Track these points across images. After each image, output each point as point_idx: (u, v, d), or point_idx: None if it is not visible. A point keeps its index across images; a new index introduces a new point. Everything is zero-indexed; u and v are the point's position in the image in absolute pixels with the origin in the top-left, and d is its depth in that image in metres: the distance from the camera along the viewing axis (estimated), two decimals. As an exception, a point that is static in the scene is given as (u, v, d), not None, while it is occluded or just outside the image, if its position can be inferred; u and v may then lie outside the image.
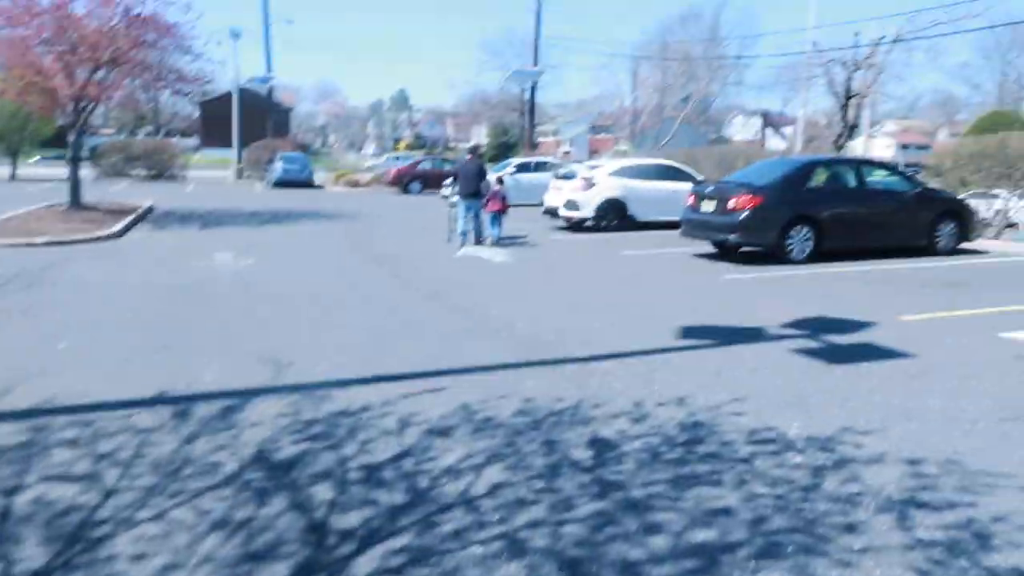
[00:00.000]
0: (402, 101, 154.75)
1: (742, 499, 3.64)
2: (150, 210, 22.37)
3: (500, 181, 15.75)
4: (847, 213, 11.87)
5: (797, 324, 7.49)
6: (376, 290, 9.51)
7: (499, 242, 14.46)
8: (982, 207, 14.19)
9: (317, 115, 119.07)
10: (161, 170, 39.77)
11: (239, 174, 41.50)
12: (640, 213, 16.69)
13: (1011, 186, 14.20)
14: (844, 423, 4.68)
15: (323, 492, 3.75)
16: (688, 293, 9.31)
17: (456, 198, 14.86)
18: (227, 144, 44.87)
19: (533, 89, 37.30)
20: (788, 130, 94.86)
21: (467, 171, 15.23)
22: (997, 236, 14.39)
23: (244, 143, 43.25)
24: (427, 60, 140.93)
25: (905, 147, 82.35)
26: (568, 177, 17.63)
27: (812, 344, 6.69)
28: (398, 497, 3.70)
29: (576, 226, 17.17)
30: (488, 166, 18.56)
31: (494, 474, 3.95)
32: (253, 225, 18.75)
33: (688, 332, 7.19)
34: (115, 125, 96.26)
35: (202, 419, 4.79)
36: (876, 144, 60.06)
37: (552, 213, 17.49)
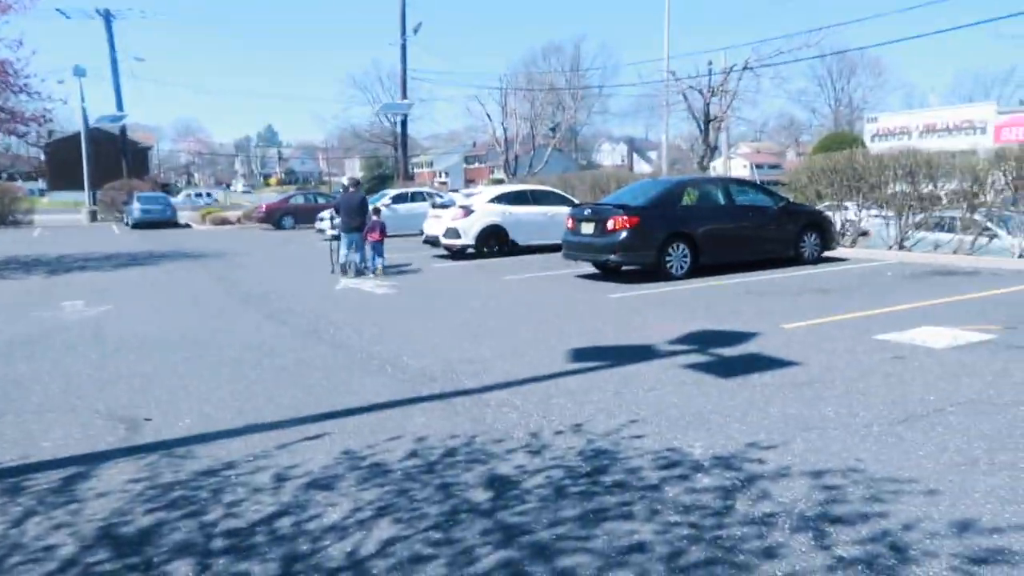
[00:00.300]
0: (270, 137, 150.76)
1: (655, 531, 3.39)
2: (-13, 259, 20.40)
3: (377, 212, 15.62)
4: (720, 229, 12.19)
5: (687, 339, 7.47)
6: (249, 331, 8.81)
7: (385, 270, 14.53)
8: (836, 219, 15.00)
9: (180, 154, 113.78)
10: (2, 215, 36.54)
11: (93, 216, 38.74)
12: (521, 238, 16.62)
13: (859, 198, 15.11)
14: (746, 438, 4.56)
15: (182, 570, 3.21)
16: (576, 314, 9.18)
17: (333, 231, 14.51)
18: (77, 186, 41.93)
19: (404, 122, 37.01)
20: (653, 154, 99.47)
21: (349, 204, 15.06)
22: (852, 244, 15.25)
23: (97, 184, 40.48)
24: (293, 96, 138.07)
25: (758, 167, 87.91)
26: (446, 206, 17.37)
27: (704, 358, 6.64)
28: (272, 567, 3.21)
29: (458, 254, 16.89)
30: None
31: (385, 529, 3.53)
32: (109, 269, 17.35)
33: (581, 354, 7.01)
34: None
35: (37, 494, 4.09)
36: (733, 165, 63.47)
37: (432, 242, 17.14)
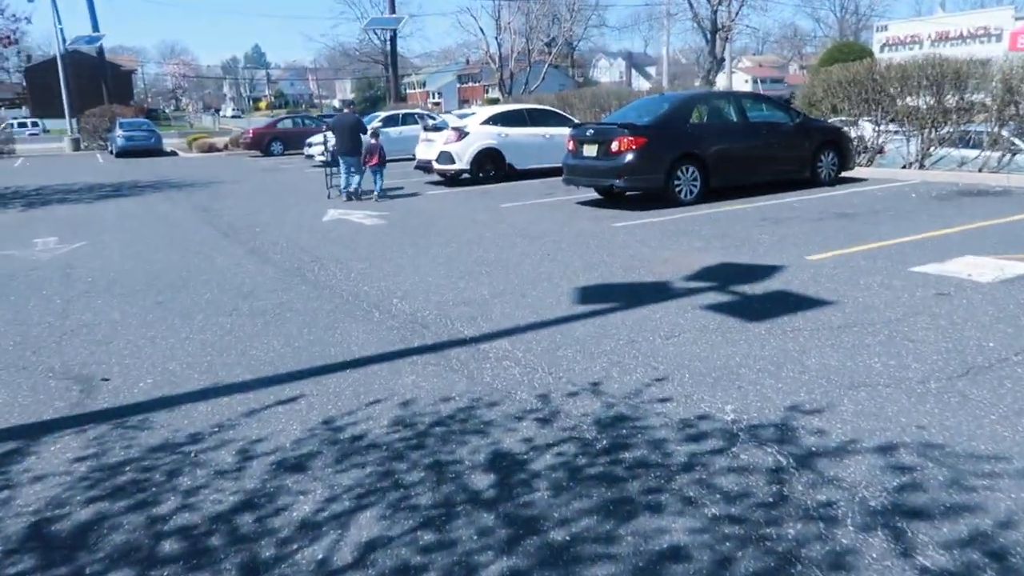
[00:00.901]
0: (258, 58, 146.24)
1: (691, 529, 2.80)
2: (-38, 192, 19.58)
3: (376, 135, 14.78)
4: (732, 149, 11.37)
5: (703, 274, 6.81)
6: (228, 271, 8.15)
7: (383, 195, 14.18)
8: (851, 134, 14.12)
9: (166, 78, 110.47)
10: (-18, 145, 35.34)
11: (76, 145, 37.49)
12: (519, 162, 15.76)
13: (880, 112, 14.19)
14: (784, 399, 3.96)
15: (118, 592, 2.64)
16: (579, 246, 8.50)
17: (323, 157, 14.02)
18: (61, 114, 40.31)
19: (394, 39, 35.33)
20: (652, 70, 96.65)
21: (342, 126, 14.48)
22: (870, 163, 14.43)
23: (78, 111, 39.02)
24: (280, 14, 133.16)
25: (761, 81, 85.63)
26: (439, 128, 16.40)
27: (724, 298, 6.00)
28: (229, 586, 2.64)
29: (452, 180, 16.06)
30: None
31: (365, 526, 2.95)
32: (89, 201, 16.54)
33: (588, 294, 6.36)
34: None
35: (-40, 482, 3.50)
36: (734, 80, 61.69)
37: (425, 168, 16.27)
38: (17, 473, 3.58)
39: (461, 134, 15.41)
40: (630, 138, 10.75)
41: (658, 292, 6.29)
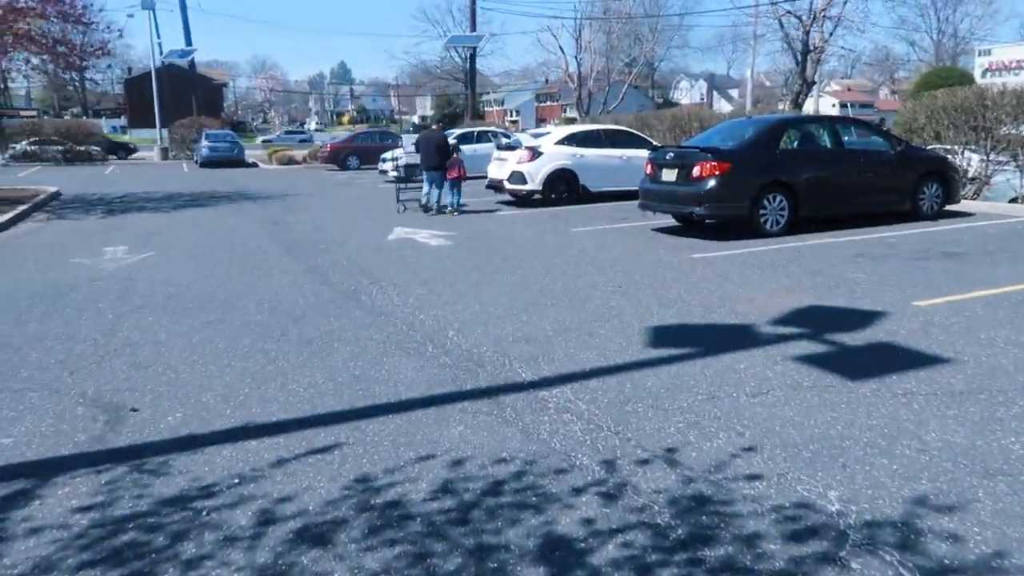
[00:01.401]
0: (343, 74, 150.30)
1: (795, 673, 2.18)
2: (55, 196, 20.27)
3: (457, 149, 14.79)
4: (825, 177, 10.54)
5: (794, 318, 6.09)
6: (284, 290, 7.85)
7: (459, 210, 14.33)
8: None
9: (256, 92, 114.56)
10: (79, 152, 36.96)
11: (164, 154, 38.83)
12: (593, 184, 15.20)
13: (990, 141, 13.06)
14: (903, 487, 3.27)
15: None
16: (654, 279, 7.87)
17: (396, 173, 14.18)
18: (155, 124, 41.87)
19: (473, 56, 35.40)
20: (734, 92, 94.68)
21: (429, 142, 14.52)
22: (976, 195, 13.30)
23: (171, 121, 40.47)
24: (367, 32, 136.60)
25: (845, 106, 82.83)
26: (512, 147, 15.99)
27: (819, 348, 5.29)
28: None
29: (523, 200, 15.61)
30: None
31: (385, 633, 2.42)
32: (166, 211, 16.80)
33: (661, 335, 5.74)
34: (39, 106, 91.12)
35: (-49, 531, 3.15)
36: (822, 103, 59.82)
37: (496, 187, 15.87)
38: (15, 522, 3.21)
39: (534, 153, 14.96)
40: (713, 163, 10.06)
41: (742, 337, 5.62)
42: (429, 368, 5.12)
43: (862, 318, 6.00)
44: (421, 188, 14.63)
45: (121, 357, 5.57)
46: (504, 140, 17.16)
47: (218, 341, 5.92)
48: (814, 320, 6.03)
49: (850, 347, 5.31)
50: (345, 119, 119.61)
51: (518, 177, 15.02)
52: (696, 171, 10.17)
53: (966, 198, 12.82)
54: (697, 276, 7.91)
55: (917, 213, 11.19)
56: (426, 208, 14.46)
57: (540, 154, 14.92)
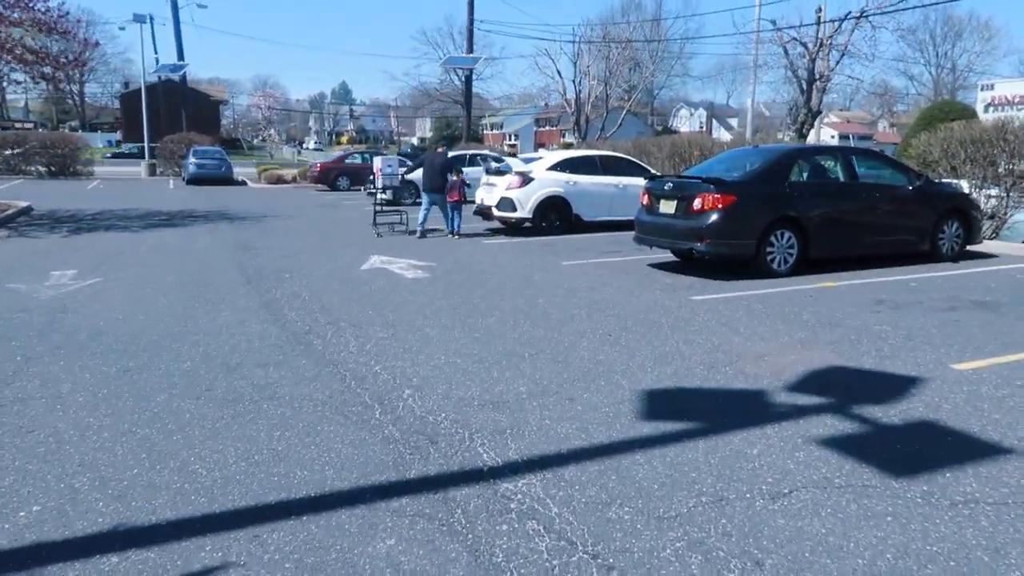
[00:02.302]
0: (344, 95, 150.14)
1: None
2: (25, 212, 19.37)
3: (458, 171, 14.32)
4: (839, 213, 9.65)
5: (812, 383, 5.15)
6: (227, 329, 6.90)
7: (458, 233, 14.16)
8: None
9: (257, 110, 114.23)
10: (63, 166, 36.05)
11: (152, 170, 37.96)
12: (587, 213, 14.32)
13: (1011, 178, 12.22)
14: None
15: None
16: (649, 326, 6.93)
17: (372, 189, 14.75)
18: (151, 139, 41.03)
19: (469, 78, 34.73)
20: (733, 121, 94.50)
21: (432, 164, 14.26)
22: (994, 235, 12.43)
23: (162, 137, 39.66)
24: (367, 52, 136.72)
25: (845, 137, 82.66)
26: (502, 172, 15.11)
27: (848, 427, 4.34)
28: None
29: (512, 229, 14.71)
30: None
31: None
32: (135, 230, 15.86)
33: (657, 403, 4.78)
34: (37, 118, 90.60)
35: None
36: (821, 134, 59.39)
37: (484, 214, 14.97)
38: None
39: (525, 179, 14.08)
40: (716, 195, 9.16)
41: (754, 409, 4.66)
42: (370, 443, 4.16)
43: (894, 385, 5.06)
44: (397, 214, 13.78)
45: (5, 416, 4.60)
46: (494, 164, 16.27)
47: (127, 397, 4.95)
48: (837, 386, 5.09)
49: (886, 426, 4.35)
50: (344, 139, 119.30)
51: (507, 204, 14.13)
52: (697, 203, 9.28)
53: (985, 238, 11.95)
54: (698, 324, 6.97)
55: (936, 254, 10.30)
56: (424, 233, 14.09)
57: (531, 180, 14.04)
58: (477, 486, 3.62)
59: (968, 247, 10.69)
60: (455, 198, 14.17)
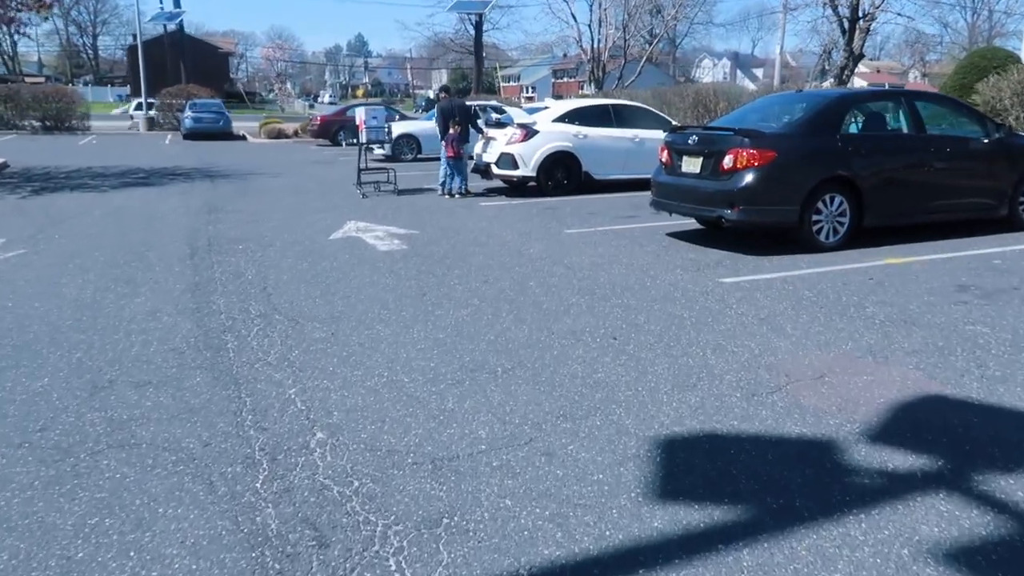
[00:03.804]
0: (359, 47, 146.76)
1: None
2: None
3: (456, 123, 12.60)
4: (901, 172, 7.93)
5: (902, 424, 3.56)
6: (132, 321, 5.45)
7: (460, 191, 12.72)
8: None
9: (273, 62, 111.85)
10: (59, 121, 34.60)
11: (150, 124, 36.43)
12: (597, 170, 12.62)
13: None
14: None
15: None
16: (666, 323, 5.36)
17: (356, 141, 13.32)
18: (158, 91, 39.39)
19: (479, 24, 32.59)
20: (758, 72, 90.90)
21: (444, 113, 12.88)
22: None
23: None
24: (381, 1, 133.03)
25: (885, 87, 79.26)
26: (503, 124, 13.39)
27: (975, 524, 2.76)
28: None
29: (515, 188, 13.07)
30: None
31: None
32: (104, 190, 14.46)
33: (675, 464, 3.23)
34: (52, 73, 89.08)
35: None
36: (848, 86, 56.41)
37: (483, 172, 13.30)
38: None
39: (528, 132, 12.37)
40: (752, 150, 7.47)
41: (823, 480, 3.09)
42: (226, 546, 2.66)
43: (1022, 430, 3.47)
44: (384, 172, 12.23)
45: None
46: (494, 116, 14.54)
47: (-78, 442, 3.49)
48: (941, 432, 3.50)
49: (1036, 521, 2.78)
50: (360, 92, 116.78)
51: (508, 161, 12.46)
52: (728, 161, 7.59)
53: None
54: (730, 320, 5.37)
55: (1016, 221, 8.56)
56: (450, 193, 12.72)
57: (535, 133, 12.33)
58: (366, 655, 2.12)
59: (1052, 213, 8.91)
60: (451, 153, 12.56)
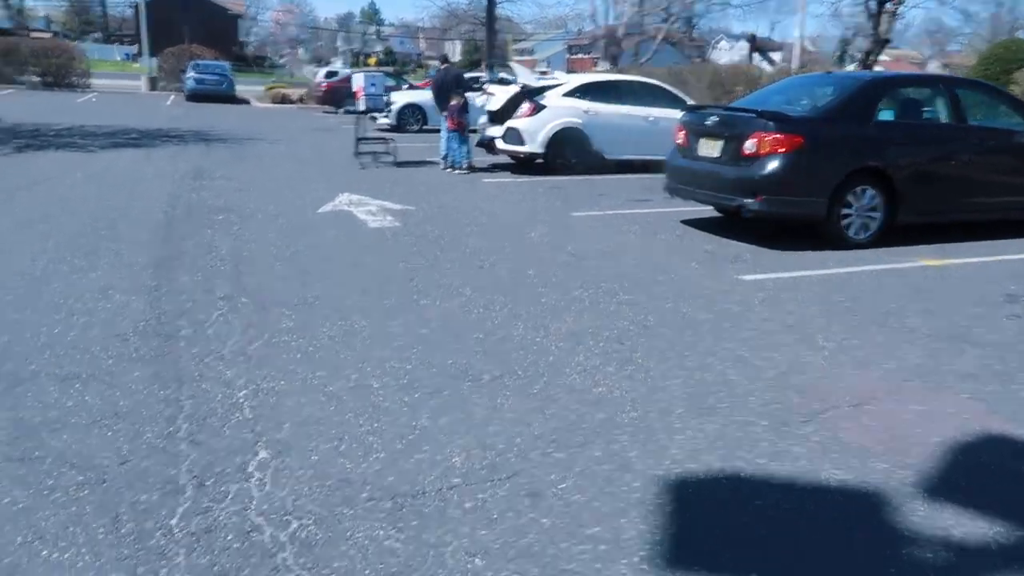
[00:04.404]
0: (372, 15, 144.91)
1: None
2: (-18, 127, 17.46)
3: (458, 94, 11.87)
4: (939, 165, 7.25)
5: (967, 476, 2.95)
6: (79, 300, 4.87)
7: (460, 165, 12.00)
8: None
9: (283, 26, 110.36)
10: (59, 77, 33.87)
11: (152, 84, 35.68)
12: (609, 149, 11.93)
13: None
14: None
15: None
16: (678, 327, 4.74)
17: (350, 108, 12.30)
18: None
19: (492, -7, 31.62)
20: (776, 56, 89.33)
21: (442, 83, 12.29)
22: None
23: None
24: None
25: (903, 79, 77.82)
26: (507, 82, 12.67)
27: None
28: None
29: (522, 164, 12.41)
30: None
31: None
32: (91, 150, 13.85)
33: (689, 522, 2.63)
34: (60, 29, 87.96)
35: None
36: (874, 74, 55.13)
37: (488, 146, 12.62)
38: None
39: (536, 107, 11.67)
40: (777, 135, 6.80)
41: (873, 547, 2.49)
42: (114, 611, 2.07)
43: (1119, 494, 2.85)
44: (383, 141, 11.58)
45: None
46: (500, 75, 13.84)
47: None
48: (1012, 484, 2.89)
49: None
50: (372, 61, 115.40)
51: (514, 136, 11.78)
52: (750, 145, 6.92)
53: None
54: (752, 326, 4.74)
55: (1061, 224, 7.90)
56: (453, 167, 12.08)
57: (543, 108, 11.63)
58: None
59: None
60: (452, 125, 11.87)
